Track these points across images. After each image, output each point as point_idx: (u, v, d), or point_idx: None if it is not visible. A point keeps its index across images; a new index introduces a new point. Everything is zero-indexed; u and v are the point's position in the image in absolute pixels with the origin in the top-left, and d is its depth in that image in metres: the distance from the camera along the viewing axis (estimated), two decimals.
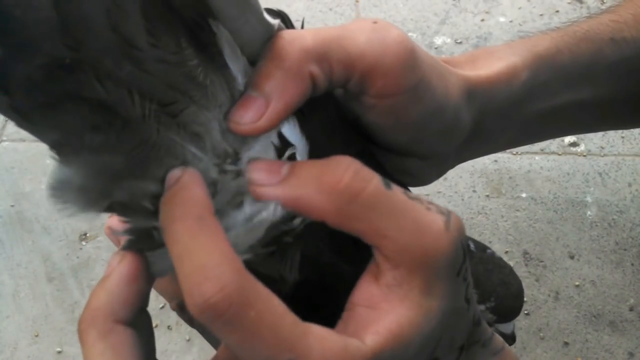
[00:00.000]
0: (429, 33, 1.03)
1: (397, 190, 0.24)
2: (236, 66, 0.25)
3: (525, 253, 0.80)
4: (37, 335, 0.77)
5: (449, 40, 1.02)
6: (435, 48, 1.01)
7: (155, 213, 0.24)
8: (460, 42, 1.02)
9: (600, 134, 0.92)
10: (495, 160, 0.89)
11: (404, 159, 0.33)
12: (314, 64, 0.25)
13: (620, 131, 0.92)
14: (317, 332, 0.23)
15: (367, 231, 0.24)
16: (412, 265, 0.24)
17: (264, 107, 0.25)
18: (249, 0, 0.24)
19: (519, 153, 0.90)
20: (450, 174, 0.86)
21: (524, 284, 0.82)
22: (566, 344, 0.73)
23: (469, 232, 0.82)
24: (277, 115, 0.25)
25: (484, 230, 0.82)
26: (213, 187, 0.26)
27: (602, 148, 0.90)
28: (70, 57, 0.21)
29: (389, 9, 1.08)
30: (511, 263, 0.79)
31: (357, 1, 1.08)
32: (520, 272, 0.79)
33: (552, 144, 0.90)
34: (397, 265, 0.24)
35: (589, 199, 0.85)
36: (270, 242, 0.27)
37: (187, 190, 0.23)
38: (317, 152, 0.27)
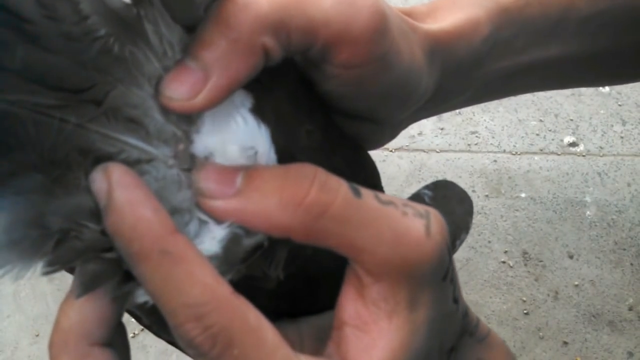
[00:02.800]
0: None
1: (367, 196, 0.22)
2: (164, 32, 0.21)
3: (525, 253, 0.81)
4: (37, 335, 0.77)
5: None
6: None
7: (106, 234, 0.20)
8: None
9: (599, 134, 0.92)
10: (495, 161, 0.89)
11: (359, 124, 0.29)
12: (269, 34, 0.21)
13: (619, 131, 0.92)
14: None
15: (341, 246, 0.22)
16: (395, 277, 0.22)
17: (202, 82, 0.21)
18: None
19: (519, 153, 0.90)
20: (450, 174, 0.86)
21: (523, 284, 0.83)
22: (565, 343, 0.74)
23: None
24: (218, 93, 0.21)
25: (483, 230, 0.82)
26: (177, 185, 0.21)
27: (602, 148, 0.90)
28: None
29: None
30: (510, 263, 0.80)
31: None
32: (520, 272, 0.79)
33: (552, 144, 0.91)
34: (380, 279, 0.22)
35: (588, 199, 0.85)
36: (249, 255, 0.23)
37: (130, 215, 0.19)
38: (283, 126, 0.24)
